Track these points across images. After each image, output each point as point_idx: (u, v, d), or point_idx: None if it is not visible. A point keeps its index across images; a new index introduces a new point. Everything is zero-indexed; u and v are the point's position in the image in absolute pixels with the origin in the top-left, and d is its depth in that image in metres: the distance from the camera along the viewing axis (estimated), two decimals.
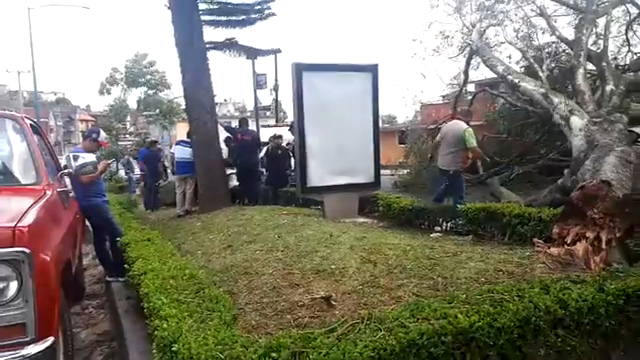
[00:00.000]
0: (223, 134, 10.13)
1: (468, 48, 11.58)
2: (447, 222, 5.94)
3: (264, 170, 10.97)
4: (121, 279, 4.91)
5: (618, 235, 4.15)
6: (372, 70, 7.50)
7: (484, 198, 7.06)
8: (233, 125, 10.99)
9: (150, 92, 25.73)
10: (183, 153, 9.53)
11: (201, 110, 9.06)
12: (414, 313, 2.23)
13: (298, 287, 3.56)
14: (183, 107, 12.88)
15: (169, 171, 12.58)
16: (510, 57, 13.25)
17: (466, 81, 13.02)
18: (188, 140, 9.59)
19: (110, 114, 27.10)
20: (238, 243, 5.31)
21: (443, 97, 19.20)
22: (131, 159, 18.04)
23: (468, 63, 11.73)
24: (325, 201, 7.01)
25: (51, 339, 2.26)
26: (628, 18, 11.57)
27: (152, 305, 2.65)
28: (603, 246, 4.06)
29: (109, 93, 25.58)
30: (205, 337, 2.10)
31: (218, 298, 2.73)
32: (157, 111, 26.63)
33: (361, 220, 6.95)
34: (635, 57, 11.53)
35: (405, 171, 14.90)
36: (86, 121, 59.78)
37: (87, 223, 5.34)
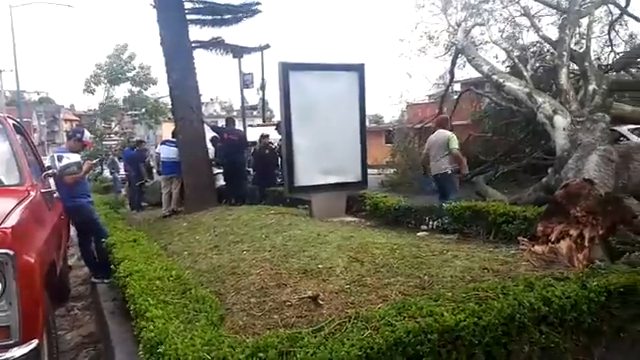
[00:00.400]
0: (209, 133, 10.08)
1: (454, 48, 11.67)
2: (433, 221, 5.99)
3: (251, 170, 10.95)
4: (106, 280, 4.87)
5: (601, 233, 4.21)
6: (358, 70, 7.54)
7: (470, 197, 7.12)
8: (220, 124, 10.94)
9: (135, 90, 25.27)
10: (169, 153, 9.46)
11: (187, 109, 9.00)
12: (401, 311, 2.25)
13: (285, 287, 3.56)
14: (169, 106, 12.77)
15: (155, 171, 12.48)
16: (496, 57, 13.43)
17: (452, 80, 13.13)
18: (174, 140, 9.52)
19: (99, 112, 26.55)
20: (225, 243, 5.29)
21: (429, 97, 19.35)
22: (116, 159, 17.87)
23: (454, 63, 11.83)
24: (312, 200, 7.02)
25: (35, 342, 2.24)
26: (610, 18, 11.77)
27: (138, 306, 2.63)
28: (586, 244, 4.12)
29: (92, 93, 24.86)
30: (192, 338, 2.09)
31: (205, 299, 2.73)
32: (143, 110, 26.25)
33: (348, 219, 6.97)
34: (617, 57, 11.72)
35: (392, 170, 14.98)
36: (70, 121, 59.01)
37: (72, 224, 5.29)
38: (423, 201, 7.06)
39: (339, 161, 7.28)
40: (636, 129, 10.68)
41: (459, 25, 11.82)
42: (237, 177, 9.56)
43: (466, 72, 15.85)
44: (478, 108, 15.76)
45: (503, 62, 13.30)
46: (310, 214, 6.96)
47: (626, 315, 2.60)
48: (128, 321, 3.20)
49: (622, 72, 9.13)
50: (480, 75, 9.76)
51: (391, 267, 3.79)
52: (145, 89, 25.25)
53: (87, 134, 5.44)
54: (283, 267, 4.01)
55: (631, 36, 12.85)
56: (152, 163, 13.02)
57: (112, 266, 3.92)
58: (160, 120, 27.44)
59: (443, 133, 7.29)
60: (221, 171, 9.84)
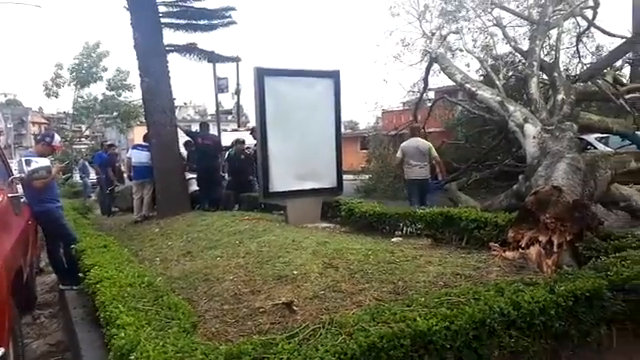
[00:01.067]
0: (183, 138, 9.97)
1: (428, 56, 11.84)
2: (407, 227, 6.04)
3: (226, 175, 10.86)
4: (75, 287, 4.75)
5: (569, 239, 4.34)
6: (334, 76, 7.57)
7: (443, 203, 7.22)
8: (194, 129, 10.83)
9: (110, 94, 24.61)
10: (140, 157, 9.31)
11: (160, 113, 8.89)
12: (374, 317, 2.27)
13: (259, 293, 3.55)
14: (142, 110, 12.56)
15: (125, 176, 12.25)
16: (469, 65, 13.72)
17: (426, 88, 13.31)
18: (145, 144, 9.39)
19: (72, 115, 25.58)
20: (198, 249, 5.24)
21: (404, 104, 19.56)
22: (87, 163, 17.49)
23: (428, 71, 12.00)
24: (288, 206, 7.00)
25: (1, 350, 2.18)
26: (578, 30, 12.14)
27: (108, 314, 2.58)
28: (555, 249, 4.23)
29: (56, 96, 23.64)
30: (164, 345, 2.06)
31: (177, 306, 2.69)
32: (115, 114, 25.65)
33: (324, 225, 6.98)
34: (585, 68, 12.08)
35: (367, 176, 15.07)
36: (39, 124, 57.52)
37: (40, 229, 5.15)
38: (397, 207, 7.14)
39: (314, 167, 7.28)
40: (602, 138, 11.04)
41: (434, 33, 12.01)
42: (211, 182, 9.47)
43: (440, 80, 16.10)
44: (452, 116, 16.02)
45: (476, 71, 13.60)
46: (285, 220, 6.94)
47: (592, 319, 2.68)
48: (98, 329, 3.13)
49: (589, 82, 9.41)
50: (454, 83, 9.95)
51: (365, 273, 3.81)
52: (119, 95, 24.54)
53: (57, 138, 5.30)
54: (257, 273, 3.99)
55: (597, 48, 13.30)
56: (123, 168, 12.78)
57: (81, 273, 3.83)
58: (132, 124, 26.84)
59: (422, 141, 7.88)
60: (194, 176, 9.73)
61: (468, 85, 8.63)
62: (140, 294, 2.92)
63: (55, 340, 4.27)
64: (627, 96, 9.36)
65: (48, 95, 23.78)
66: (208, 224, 6.66)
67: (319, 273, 3.82)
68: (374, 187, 13.56)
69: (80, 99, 24.46)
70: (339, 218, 7.39)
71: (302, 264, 4.07)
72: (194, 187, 9.78)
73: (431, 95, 17.81)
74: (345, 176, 9.79)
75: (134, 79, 25.93)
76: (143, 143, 9.52)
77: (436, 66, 11.40)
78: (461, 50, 12.89)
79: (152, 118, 9.01)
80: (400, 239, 5.76)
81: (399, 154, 8.10)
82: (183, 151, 9.90)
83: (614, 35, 11.42)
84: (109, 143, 14.09)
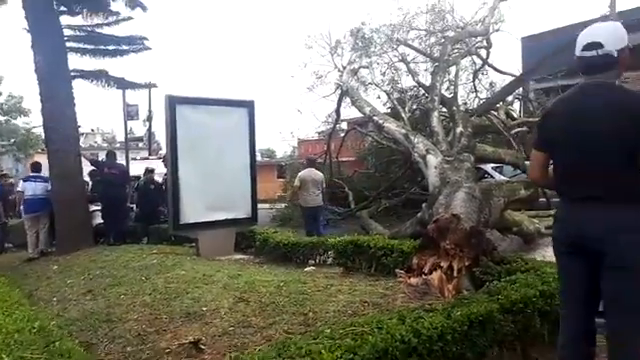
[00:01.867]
0: (88, 167, 9.44)
1: (340, 88, 12.28)
2: (320, 255, 6.13)
3: (134, 206, 10.38)
4: None
5: (467, 264, 4.63)
6: (248, 106, 7.62)
7: (354, 231, 7.42)
8: (101, 158, 10.30)
9: (2, 119, 22.66)
10: (34, 189, 8.66)
11: (63, 141, 8.38)
12: (280, 352, 2.27)
13: (165, 332, 3.41)
14: (42, 137, 11.75)
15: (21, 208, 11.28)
16: (379, 97, 14.31)
17: (338, 119, 13.74)
18: (40, 175, 8.80)
19: None
20: (100, 287, 4.94)
21: (319, 133, 20.01)
22: None
23: (339, 103, 12.43)
24: (200, 238, 6.83)
25: None
26: (474, 68, 13.25)
27: None
28: (455, 274, 4.50)
29: None
30: None
31: (71, 352, 2.51)
32: (11, 141, 23.59)
33: (237, 257, 6.89)
34: (481, 102, 13.15)
35: (283, 205, 15.12)
36: None
37: None
38: (325, 233, 7.25)
39: (228, 197, 7.20)
40: (497, 167, 12.01)
41: (345, 67, 12.50)
42: (117, 214, 9.00)
43: (353, 111, 16.69)
44: (363, 146, 16.61)
45: (385, 103, 14.26)
46: (197, 253, 6.76)
47: (485, 341, 2.87)
48: None
49: (483, 117, 10.24)
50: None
51: (277, 305, 3.81)
52: (14, 117, 22.69)
53: None
54: (164, 311, 3.84)
55: (491, 84, 14.52)
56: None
57: None
58: (31, 152, 24.83)
59: (316, 172, 8.80)
60: (99, 208, 9.19)
61: (376, 117, 9.05)
62: (29, 341, 2.69)
63: None
64: (515, 130, 10.33)
65: None
66: (113, 259, 6.31)
67: (229, 308, 3.76)
68: (290, 216, 13.61)
69: None
70: (253, 249, 7.34)
71: (212, 299, 3.98)
72: (98, 219, 9.24)
73: (345, 125, 18.40)
74: (261, 205, 9.79)
75: (30, 103, 24.18)
76: (36, 174, 8.91)
77: (348, 98, 11.84)
78: (371, 83, 13.51)
79: (54, 146, 8.46)
80: (313, 268, 5.83)
81: (297, 182, 8.75)
82: (88, 181, 9.36)
83: (505, 73, 12.62)
84: (2, 173, 12.94)
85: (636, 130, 2.02)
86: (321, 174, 8.95)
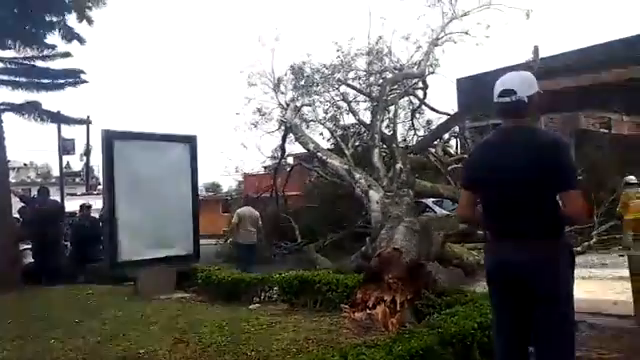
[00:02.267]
0: (18, 204, 8.94)
1: (284, 125, 12.44)
2: (265, 292, 6.04)
3: (69, 244, 9.87)
4: None
5: (409, 297, 4.74)
6: (191, 141, 7.54)
7: (301, 266, 7.41)
8: (33, 193, 9.79)
9: None
10: None
11: None
12: None
13: None
14: None
15: None
16: (322, 134, 14.58)
17: (283, 155, 13.86)
18: None
19: None
20: (31, 332, 4.62)
21: (265, 168, 20.01)
22: None
23: (284, 139, 12.58)
24: (139, 277, 6.56)
25: None
26: (412, 107, 13.86)
27: None
28: (398, 308, 4.58)
29: None
30: None
31: None
32: None
33: (178, 296, 6.66)
34: (418, 139, 13.69)
35: (229, 240, 14.82)
36: None
37: None
38: (257, 272, 7.14)
39: (168, 234, 7.02)
40: (438, 201, 12.45)
41: (289, 104, 12.71)
42: (50, 252, 8.49)
43: (299, 146, 16.90)
44: (309, 180, 16.75)
45: (328, 140, 14.55)
46: (136, 292, 6.47)
47: None
48: None
49: (419, 155, 10.66)
50: None
51: (219, 346, 3.71)
52: None
53: None
54: (98, 356, 3.64)
55: (428, 122, 15.18)
56: None
57: None
58: None
59: (253, 210, 9.09)
60: (29, 246, 8.66)
61: (320, 154, 9.23)
62: None
63: None
64: (451, 166, 10.81)
65: None
66: (45, 301, 5.94)
67: (168, 350, 3.63)
68: (235, 252, 13.37)
69: None
70: (196, 287, 7.12)
71: (150, 342, 3.82)
72: (29, 259, 8.69)
73: (292, 160, 18.51)
74: (205, 241, 9.61)
75: None
76: None
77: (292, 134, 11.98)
78: (313, 120, 13.78)
79: None
80: (258, 305, 5.73)
81: (235, 219, 8.86)
82: (18, 218, 8.84)
83: (441, 112, 13.28)
84: None
85: (551, 168, 2.19)
86: (257, 212, 9.22)
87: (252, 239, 8.83)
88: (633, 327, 4.23)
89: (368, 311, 4.46)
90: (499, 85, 2.37)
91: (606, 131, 16.53)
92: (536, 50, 11.04)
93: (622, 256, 7.77)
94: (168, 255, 6.95)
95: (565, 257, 2.29)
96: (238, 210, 9.18)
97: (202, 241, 9.32)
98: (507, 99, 2.31)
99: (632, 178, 10.82)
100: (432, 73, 12.82)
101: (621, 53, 8.87)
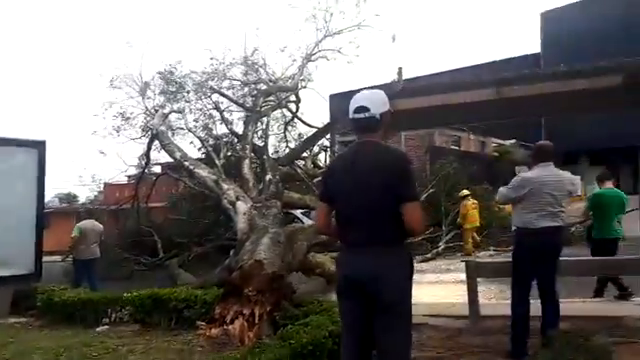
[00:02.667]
0: None
1: (150, 132, 11.75)
2: (116, 313, 5.57)
3: None
4: None
5: (268, 309, 4.71)
6: (38, 147, 6.89)
7: (161, 282, 7.00)
8: None
9: None
10: None
11: None
12: None
13: None
14: None
15: None
16: (193, 143, 14.03)
17: (148, 163, 13.08)
18: None
19: None
20: None
21: (129, 177, 18.73)
22: None
23: (149, 146, 11.86)
24: None
25: None
26: (285, 120, 14.01)
27: None
28: (256, 321, 4.53)
29: None
30: None
31: None
32: None
33: (13, 320, 5.90)
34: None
35: (69, 257, 13.51)
36: None
37: None
38: (109, 289, 6.58)
39: (4, 250, 6.26)
40: (306, 212, 12.70)
41: (156, 110, 12.05)
42: None
43: (165, 155, 16.09)
44: (176, 191, 16.04)
45: (199, 149, 14.05)
46: None
47: None
48: None
49: (288, 166, 10.79)
50: None
51: None
52: None
53: None
54: None
55: (300, 135, 15.45)
56: None
57: None
58: None
59: (97, 224, 8.58)
60: None
61: (187, 163, 8.89)
62: None
63: None
64: (317, 179, 11.11)
65: None
66: None
67: None
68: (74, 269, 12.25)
69: None
70: (35, 310, 6.35)
71: None
72: None
73: (159, 169, 17.53)
74: (53, 257, 8.67)
75: None
76: None
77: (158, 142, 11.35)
78: (182, 128, 13.25)
79: None
80: (107, 327, 5.27)
81: (76, 233, 8.10)
82: None
83: (311, 126, 13.62)
84: None
85: (397, 183, 2.32)
86: (101, 225, 8.77)
87: (94, 254, 8.26)
88: (467, 326, 4.67)
89: (225, 327, 4.35)
90: (354, 102, 2.46)
91: (457, 148, 18.44)
92: (400, 71, 11.96)
93: (464, 262, 8.62)
94: (2, 275, 6.16)
95: (404, 267, 2.41)
96: (80, 224, 8.29)
97: (49, 258, 8.42)
98: (361, 115, 2.41)
99: (465, 192, 12.28)
100: (305, 87, 13.09)
101: (472, 77, 9.91)
